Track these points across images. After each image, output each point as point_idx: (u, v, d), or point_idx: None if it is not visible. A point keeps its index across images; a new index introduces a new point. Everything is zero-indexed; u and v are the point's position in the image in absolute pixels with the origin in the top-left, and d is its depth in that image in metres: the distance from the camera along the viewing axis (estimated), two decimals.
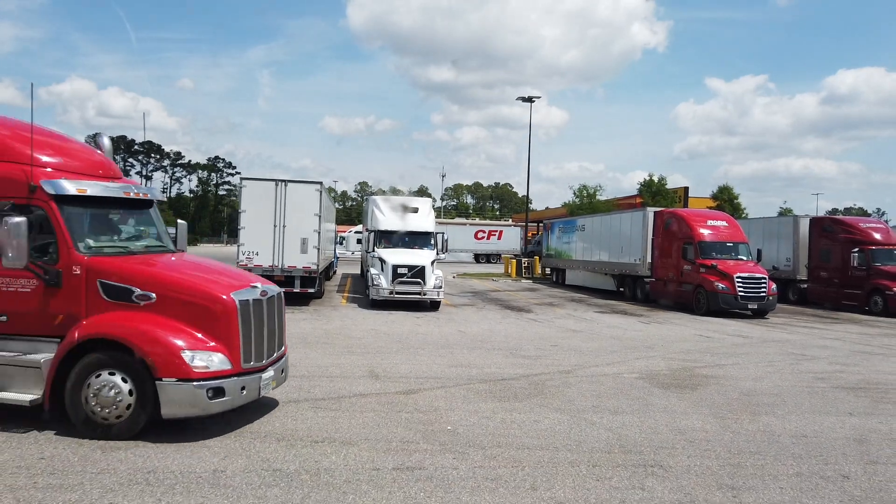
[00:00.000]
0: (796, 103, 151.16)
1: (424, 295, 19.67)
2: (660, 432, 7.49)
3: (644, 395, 9.39)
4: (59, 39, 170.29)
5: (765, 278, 21.16)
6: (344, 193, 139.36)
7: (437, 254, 21.02)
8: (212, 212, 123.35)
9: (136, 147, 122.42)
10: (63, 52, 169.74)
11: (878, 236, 24.33)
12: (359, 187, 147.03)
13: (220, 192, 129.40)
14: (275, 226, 19.14)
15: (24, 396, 6.66)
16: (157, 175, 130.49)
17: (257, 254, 19.03)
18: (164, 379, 6.42)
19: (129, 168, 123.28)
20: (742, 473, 6.25)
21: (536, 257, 40.25)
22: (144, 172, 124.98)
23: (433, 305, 20.31)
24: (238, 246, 19.42)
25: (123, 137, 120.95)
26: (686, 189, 55.83)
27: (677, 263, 22.79)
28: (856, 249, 23.84)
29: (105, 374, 6.51)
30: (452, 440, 6.96)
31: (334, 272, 34.26)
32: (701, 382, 10.40)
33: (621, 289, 27.04)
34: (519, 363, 11.61)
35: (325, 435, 6.99)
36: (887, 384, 10.80)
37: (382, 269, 19.90)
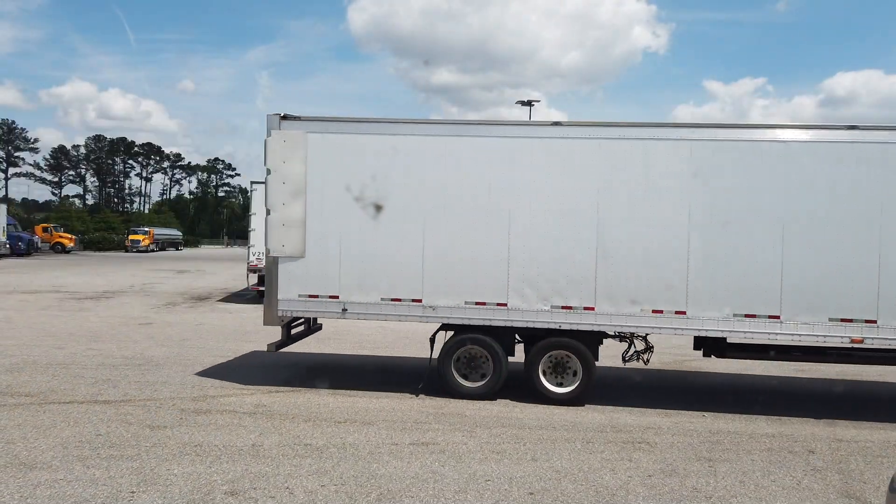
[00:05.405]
0: (795, 105, 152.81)
1: None
2: (647, 415, 8.29)
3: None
4: (58, 41, 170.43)
5: None
6: None
7: None
8: (211, 214, 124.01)
9: (135, 149, 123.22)
10: (62, 54, 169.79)
11: None
12: None
13: (220, 194, 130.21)
14: None
15: None
16: (157, 177, 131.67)
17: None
18: None
19: (128, 170, 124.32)
20: (719, 448, 7.04)
21: None
22: (144, 174, 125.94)
23: None
24: (248, 248, 20.19)
25: (124, 139, 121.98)
26: None
27: None
28: None
29: None
30: (461, 421, 7.75)
31: None
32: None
33: None
34: None
35: (347, 416, 7.79)
36: (858, 371, 11.59)
37: None
